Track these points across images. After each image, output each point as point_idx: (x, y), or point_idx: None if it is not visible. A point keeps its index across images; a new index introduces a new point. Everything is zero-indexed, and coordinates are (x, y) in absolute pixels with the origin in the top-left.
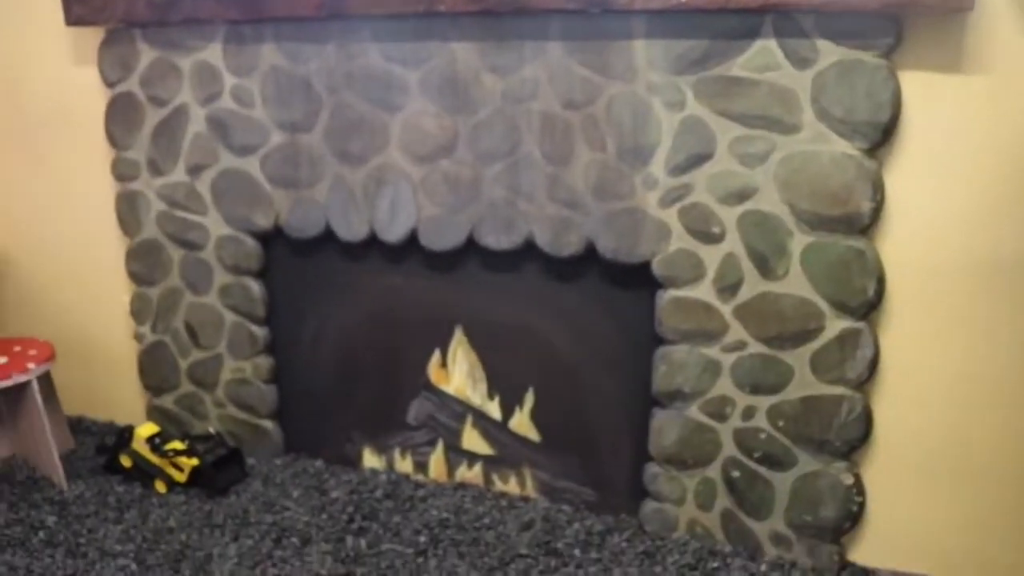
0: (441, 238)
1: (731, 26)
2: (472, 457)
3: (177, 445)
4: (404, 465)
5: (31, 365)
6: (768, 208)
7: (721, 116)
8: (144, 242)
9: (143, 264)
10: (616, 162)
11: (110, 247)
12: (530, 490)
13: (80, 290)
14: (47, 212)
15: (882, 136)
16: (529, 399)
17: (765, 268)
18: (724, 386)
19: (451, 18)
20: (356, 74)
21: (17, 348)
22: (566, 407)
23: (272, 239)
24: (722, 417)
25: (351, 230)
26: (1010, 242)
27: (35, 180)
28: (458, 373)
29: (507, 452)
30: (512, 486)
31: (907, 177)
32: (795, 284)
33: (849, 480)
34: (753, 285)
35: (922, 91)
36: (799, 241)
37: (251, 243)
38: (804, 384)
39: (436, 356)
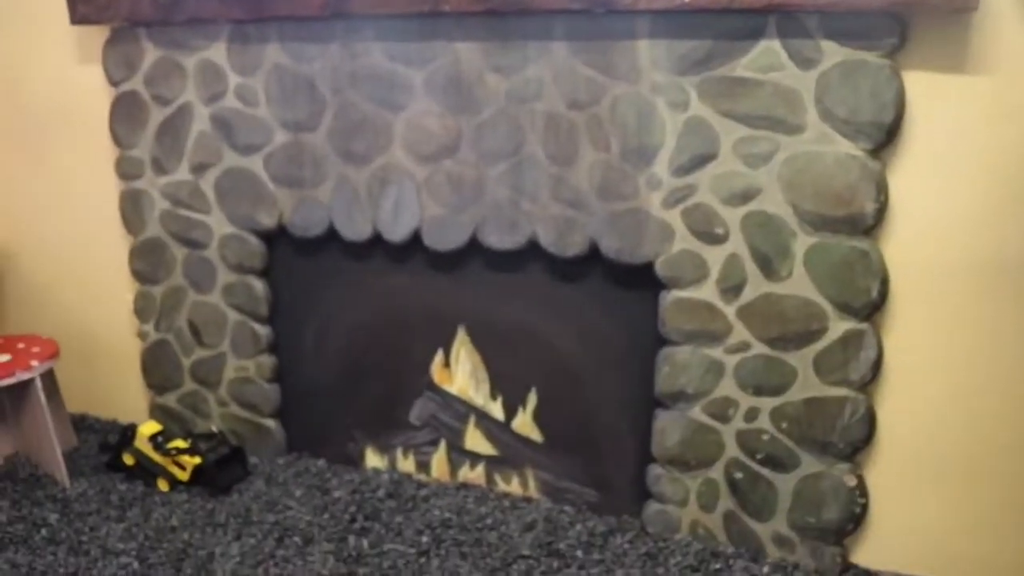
0: (444, 238)
1: (735, 26)
2: (475, 457)
3: (180, 444)
4: (407, 465)
5: (34, 363)
6: (772, 209)
7: (725, 116)
8: (148, 241)
9: (147, 262)
10: (620, 162)
11: (114, 245)
12: (532, 491)
13: (84, 288)
14: (51, 210)
15: (886, 136)
16: (532, 399)
17: (769, 269)
18: (727, 387)
19: (455, 18)
20: (360, 74)
21: (21, 345)
22: (569, 408)
23: (276, 238)
24: (725, 418)
25: (355, 230)
26: (1014, 242)
27: (39, 178)
28: (461, 373)
29: (510, 452)
30: (515, 487)
31: (911, 177)
32: (799, 285)
33: (852, 482)
34: (756, 286)
35: (926, 91)
36: (803, 242)
37: (255, 242)
38: (807, 385)
39: (439, 356)
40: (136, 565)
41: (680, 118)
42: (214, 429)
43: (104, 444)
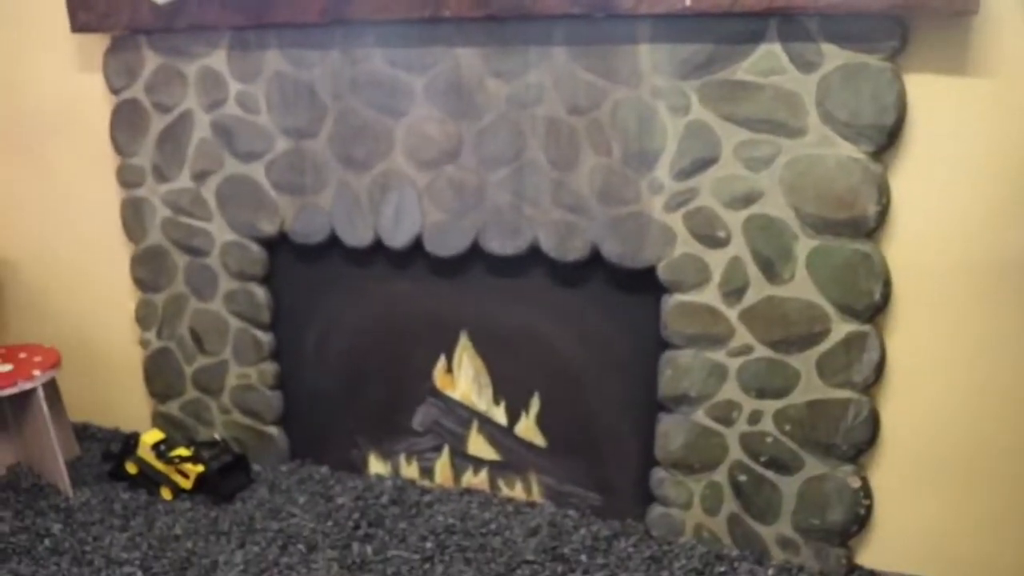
0: (446, 244)
1: (735, 30)
2: (478, 462)
3: (183, 452)
4: (410, 471)
5: (36, 372)
6: (773, 212)
7: (726, 120)
8: (149, 248)
9: (148, 270)
10: (621, 167)
11: (115, 253)
12: (536, 495)
13: (85, 297)
14: (52, 218)
15: (887, 139)
16: (535, 404)
17: (771, 272)
18: (730, 390)
19: (456, 23)
20: (360, 80)
21: (22, 355)
22: (572, 412)
23: (277, 245)
24: (728, 421)
25: (356, 236)
26: (1016, 244)
27: (40, 186)
28: (464, 378)
29: (513, 457)
30: (518, 491)
31: (912, 180)
32: (801, 288)
33: (856, 483)
34: (759, 289)
35: (927, 94)
36: (805, 245)
37: (256, 249)
38: (810, 388)
39: (441, 361)
40: (140, 574)
41: (681, 122)
42: (217, 437)
43: (107, 453)
